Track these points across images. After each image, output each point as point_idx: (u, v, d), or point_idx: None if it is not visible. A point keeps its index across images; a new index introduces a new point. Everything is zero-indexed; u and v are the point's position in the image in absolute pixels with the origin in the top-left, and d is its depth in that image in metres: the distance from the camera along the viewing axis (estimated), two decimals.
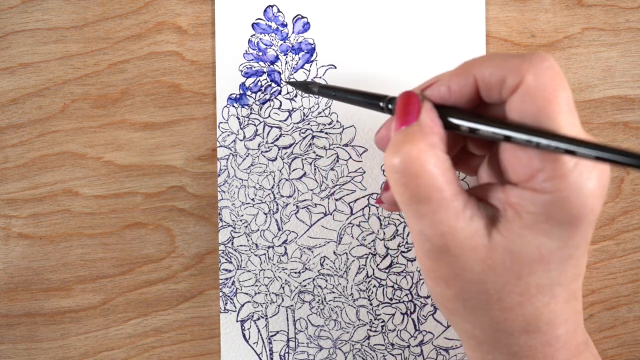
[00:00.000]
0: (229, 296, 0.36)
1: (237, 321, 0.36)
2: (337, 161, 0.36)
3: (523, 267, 0.24)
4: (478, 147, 0.28)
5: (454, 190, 0.24)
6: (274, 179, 0.36)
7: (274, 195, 0.36)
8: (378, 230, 0.36)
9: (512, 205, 0.24)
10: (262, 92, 0.36)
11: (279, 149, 0.36)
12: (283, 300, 0.36)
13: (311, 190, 0.36)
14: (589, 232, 0.24)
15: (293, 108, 0.36)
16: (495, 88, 0.24)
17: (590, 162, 0.22)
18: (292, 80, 0.35)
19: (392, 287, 0.36)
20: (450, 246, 0.24)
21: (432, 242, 0.24)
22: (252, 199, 0.36)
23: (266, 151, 0.36)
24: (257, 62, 0.36)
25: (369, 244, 0.36)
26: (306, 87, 0.33)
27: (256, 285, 0.36)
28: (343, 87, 0.31)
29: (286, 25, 0.36)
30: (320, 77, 0.36)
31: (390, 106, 0.27)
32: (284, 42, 0.36)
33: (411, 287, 0.36)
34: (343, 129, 0.36)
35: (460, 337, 0.27)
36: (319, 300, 0.36)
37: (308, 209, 0.36)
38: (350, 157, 0.36)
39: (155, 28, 0.36)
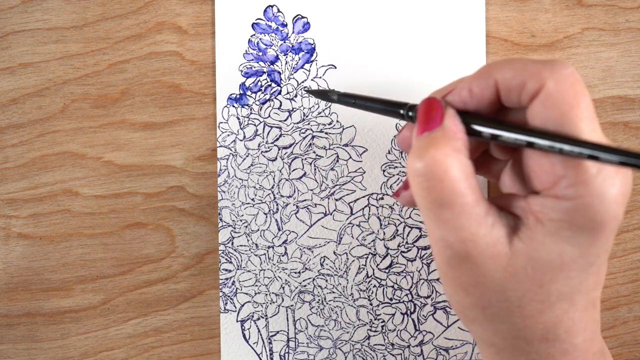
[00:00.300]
0: (229, 296, 0.36)
1: (237, 321, 0.36)
2: (337, 161, 0.36)
3: (545, 274, 0.24)
4: (501, 151, 0.28)
5: (476, 197, 0.24)
6: (274, 179, 0.36)
7: (274, 195, 0.36)
8: (378, 230, 0.36)
9: (534, 213, 0.24)
10: (262, 92, 0.36)
11: (279, 149, 0.36)
12: (283, 300, 0.36)
13: (311, 190, 0.36)
14: (610, 239, 0.24)
15: (293, 108, 0.36)
16: (515, 92, 0.24)
17: (613, 169, 0.22)
18: (310, 89, 0.35)
19: (392, 287, 0.36)
20: (472, 253, 0.24)
21: (454, 249, 0.24)
22: (252, 199, 0.36)
23: (266, 151, 0.36)
24: (257, 62, 0.36)
25: (369, 244, 0.36)
26: (326, 95, 0.33)
27: (256, 285, 0.36)
28: (363, 95, 0.31)
29: (286, 25, 0.36)
30: (320, 77, 0.36)
31: (410, 114, 0.27)
32: (284, 42, 0.36)
33: (411, 287, 0.36)
34: (343, 129, 0.36)
35: (478, 345, 0.27)
36: (319, 300, 0.36)
37: (308, 209, 0.36)
38: (350, 157, 0.36)
39: (155, 28, 0.36)
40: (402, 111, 0.28)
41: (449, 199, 0.24)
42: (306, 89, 0.36)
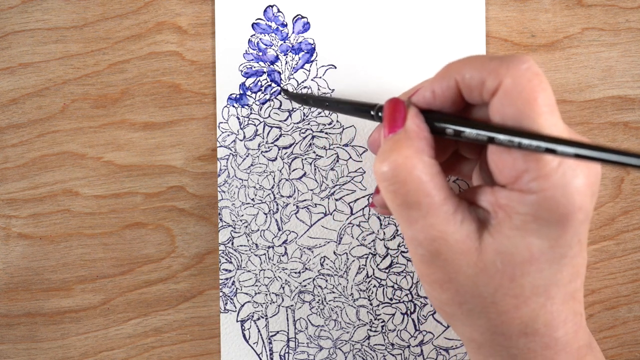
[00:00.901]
0: (229, 296, 0.36)
1: (237, 321, 0.36)
2: (337, 161, 0.36)
3: (515, 268, 0.24)
4: (468, 150, 0.28)
5: (443, 195, 0.24)
6: (274, 179, 0.36)
7: (274, 195, 0.36)
8: (378, 230, 0.36)
9: (501, 207, 0.24)
10: (262, 92, 0.36)
11: (279, 149, 0.36)
12: (283, 300, 0.36)
13: (311, 190, 0.36)
14: (580, 230, 0.24)
15: (293, 108, 0.36)
16: (476, 90, 0.24)
17: (574, 161, 0.23)
18: (287, 89, 0.36)
19: (392, 287, 0.36)
20: (442, 250, 0.24)
21: (424, 247, 0.24)
22: (252, 199, 0.36)
23: (266, 151, 0.36)
24: (257, 62, 0.36)
25: (369, 244, 0.36)
26: (301, 98, 0.34)
27: (256, 285, 0.36)
28: (334, 97, 0.32)
29: (286, 25, 0.36)
30: (320, 77, 0.36)
31: (380, 114, 0.28)
32: (284, 42, 0.36)
33: (411, 287, 0.36)
34: (343, 129, 0.36)
35: (462, 340, 0.27)
36: (319, 300, 0.36)
37: (308, 209, 0.36)
38: (350, 157, 0.36)
39: (155, 28, 0.36)
40: (372, 112, 0.28)
41: (415, 199, 0.24)
42: (283, 90, 0.36)
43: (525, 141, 0.22)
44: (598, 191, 0.25)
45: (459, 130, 0.24)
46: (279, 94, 0.36)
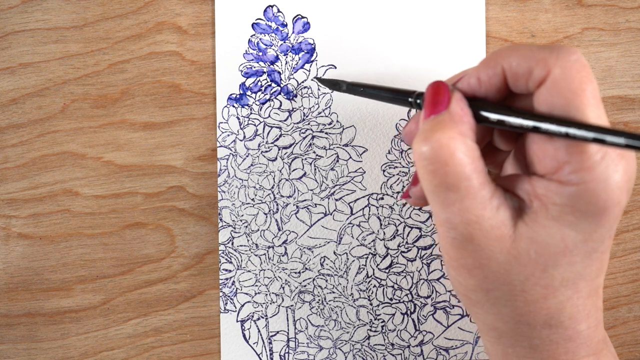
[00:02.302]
0: (229, 296, 0.36)
1: (237, 321, 0.36)
2: (337, 161, 0.36)
3: (548, 259, 0.24)
4: (505, 140, 0.28)
5: (482, 180, 0.24)
6: (274, 179, 0.36)
7: (274, 195, 0.36)
8: (378, 230, 0.36)
9: (538, 197, 0.24)
10: (262, 92, 0.36)
11: (279, 149, 0.36)
12: (283, 300, 0.36)
13: (311, 190, 0.36)
14: (613, 226, 0.24)
15: (293, 108, 0.36)
16: (522, 79, 0.24)
17: (616, 155, 0.23)
18: (320, 77, 0.35)
19: (392, 287, 0.36)
20: (476, 235, 0.24)
21: (458, 231, 0.24)
22: (252, 199, 0.36)
23: (266, 151, 0.36)
24: (257, 62, 0.36)
25: (369, 244, 0.36)
26: (334, 84, 0.34)
27: (256, 286, 0.36)
28: (371, 84, 0.31)
29: (286, 25, 0.36)
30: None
31: (419, 101, 0.27)
32: (284, 42, 0.36)
33: (411, 287, 0.36)
34: (343, 129, 0.36)
35: (480, 329, 0.27)
36: (319, 300, 0.36)
37: (308, 209, 0.36)
38: (350, 157, 0.36)
39: (155, 28, 0.36)
40: (410, 99, 0.28)
41: (454, 181, 0.24)
42: (316, 77, 0.36)
43: (573, 130, 0.22)
44: (632, 188, 0.25)
45: (503, 118, 0.24)
46: (279, 94, 0.36)
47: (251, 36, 0.36)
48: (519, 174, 0.26)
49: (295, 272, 0.36)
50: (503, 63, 0.24)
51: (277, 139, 0.36)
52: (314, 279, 0.36)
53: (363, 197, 0.36)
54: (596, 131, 0.21)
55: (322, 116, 0.36)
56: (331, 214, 0.36)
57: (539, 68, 0.23)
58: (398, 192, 0.36)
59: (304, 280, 0.36)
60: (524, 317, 0.25)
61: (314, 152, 0.36)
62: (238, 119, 0.36)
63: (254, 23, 0.36)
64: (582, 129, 0.22)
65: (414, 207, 0.36)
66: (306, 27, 0.36)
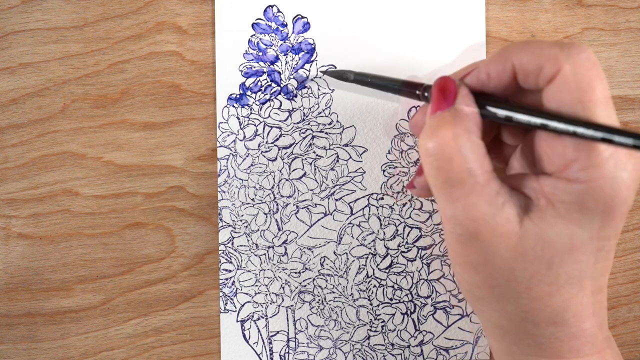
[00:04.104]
0: (229, 296, 0.36)
1: (237, 321, 0.36)
2: (337, 161, 0.36)
3: (554, 256, 0.24)
4: (512, 136, 0.28)
5: (487, 176, 0.24)
6: (274, 179, 0.36)
7: (274, 195, 0.36)
8: (378, 230, 0.36)
9: (545, 195, 0.24)
10: (262, 92, 0.36)
11: (279, 149, 0.36)
12: (283, 300, 0.36)
13: (311, 190, 0.36)
14: (620, 224, 0.24)
15: (293, 108, 0.36)
16: (532, 75, 0.24)
17: (625, 154, 0.23)
18: (327, 69, 0.35)
19: (392, 287, 0.36)
20: (482, 231, 0.24)
21: (464, 227, 0.24)
22: (252, 199, 0.36)
23: (266, 151, 0.36)
24: (257, 62, 0.36)
25: (369, 244, 0.36)
26: (342, 75, 0.34)
27: (256, 286, 0.36)
28: (378, 74, 0.31)
29: (286, 25, 0.36)
30: (320, 77, 0.36)
31: (426, 94, 0.27)
32: (284, 42, 0.36)
33: (411, 287, 0.36)
34: (343, 129, 0.36)
35: (484, 327, 0.27)
36: (319, 300, 0.36)
37: (308, 209, 0.36)
38: (350, 157, 0.36)
39: (155, 28, 0.36)
40: (417, 92, 0.28)
41: (459, 177, 0.24)
42: (322, 70, 0.36)
43: (581, 129, 0.22)
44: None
45: (511, 115, 0.24)
46: (279, 94, 0.36)
47: (251, 36, 0.36)
48: (525, 173, 0.26)
49: (295, 272, 0.36)
50: (513, 59, 0.24)
51: (277, 139, 0.36)
52: (314, 279, 0.36)
53: (363, 197, 0.36)
54: (604, 131, 0.21)
55: (322, 116, 0.36)
56: (331, 214, 0.36)
57: (549, 65, 0.23)
58: (398, 192, 0.36)
59: (304, 280, 0.36)
60: (528, 315, 0.25)
61: (314, 152, 0.36)
62: (238, 119, 0.36)
63: (254, 23, 0.36)
64: (590, 128, 0.22)
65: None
66: (306, 27, 0.36)
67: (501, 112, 0.25)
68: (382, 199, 0.36)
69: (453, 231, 0.25)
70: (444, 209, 0.25)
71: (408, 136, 0.36)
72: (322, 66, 0.36)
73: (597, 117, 0.22)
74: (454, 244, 0.25)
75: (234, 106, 0.36)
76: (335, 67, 0.36)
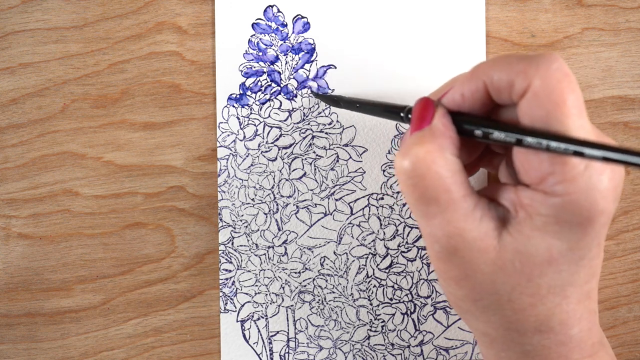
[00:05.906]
0: (229, 296, 0.36)
1: (237, 321, 0.36)
2: (337, 161, 0.36)
3: (533, 268, 0.24)
4: (497, 146, 0.28)
5: (463, 192, 0.24)
6: (274, 179, 0.36)
7: (274, 195, 0.36)
8: (378, 230, 0.36)
9: (523, 207, 0.24)
10: (262, 92, 0.36)
11: (279, 149, 0.36)
12: (283, 300, 0.36)
13: (311, 190, 0.36)
14: (601, 233, 0.24)
15: (293, 108, 0.36)
16: (505, 92, 0.24)
17: (600, 165, 0.22)
18: (318, 93, 0.36)
19: (392, 287, 0.36)
20: (459, 247, 0.24)
21: (441, 244, 0.24)
22: (252, 199, 0.36)
23: (266, 151, 0.36)
24: (257, 62, 0.36)
25: (369, 244, 0.36)
26: (332, 100, 0.34)
27: (256, 286, 0.36)
28: (365, 100, 0.32)
29: (286, 25, 0.36)
30: (320, 77, 0.36)
31: (410, 116, 0.28)
32: (284, 42, 0.36)
33: (411, 287, 0.36)
34: (343, 129, 0.36)
35: (474, 334, 0.27)
36: (319, 300, 0.36)
37: (308, 209, 0.36)
38: (350, 157, 0.36)
39: (155, 28, 0.36)
40: (402, 114, 0.28)
41: (434, 195, 0.24)
42: (313, 92, 0.36)
43: (553, 143, 0.22)
44: (621, 193, 0.25)
45: (488, 132, 0.24)
46: (279, 94, 0.36)
47: (251, 36, 0.36)
48: (504, 183, 0.26)
49: (295, 272, 0.36)
50: (484, 78, 0.24)
51: (277, 139, 0.36)
52: (314, 279, 0.36)
53: (363, 197, 0.36)
54: (575, 144, 0.21)
55: (322, 116, 0.36)
56: (331, 214, 0.36)
57: (519, 80, 0.23)
58: (398, 192, 0.36)
59: (304, 280, 0.36)
60: (513, 325, 0.25)
61: (314, 152, 0.36)
62: (238, 119, 0.36)
63: (254, 23, 0.36)
64: (562, 141, 0.22)
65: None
66: (306, 27, 0.36)
67: (477, 130, 0.25)
68: (382, 199, 0.36)
69: (432, 248, 0.25)
70: (422, 227, 0.25)
71: None
72: (322, 66, 0.36)
73: (569, 130, 0.22)
74: (434, 260, 0.25)
75: (234, 106, 0.36)
76: (335, 67, 0.36)
